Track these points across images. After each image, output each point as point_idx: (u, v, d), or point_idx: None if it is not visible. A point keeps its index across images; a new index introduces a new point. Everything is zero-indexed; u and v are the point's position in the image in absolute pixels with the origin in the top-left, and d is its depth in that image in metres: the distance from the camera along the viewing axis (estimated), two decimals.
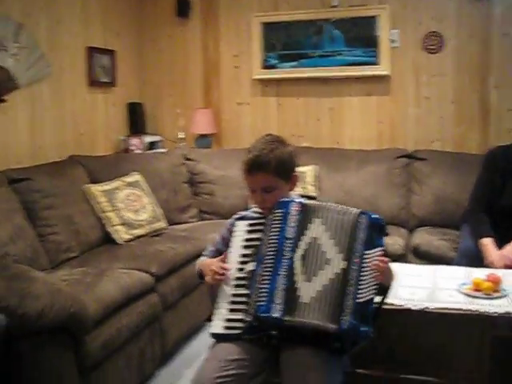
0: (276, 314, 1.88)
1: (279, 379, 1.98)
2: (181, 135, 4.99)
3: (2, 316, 2.08)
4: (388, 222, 4.01)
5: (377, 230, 2.01)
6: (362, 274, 1.93)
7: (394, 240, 3.71)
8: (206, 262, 2.22)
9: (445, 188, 4.05)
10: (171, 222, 4.12)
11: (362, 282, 1.92)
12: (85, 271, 2.95)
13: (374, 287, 1.94)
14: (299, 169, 4.09)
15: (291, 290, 1.92)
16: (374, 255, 1.96)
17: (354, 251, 1.95)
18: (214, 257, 2.29)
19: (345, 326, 1.86)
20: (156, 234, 3.81)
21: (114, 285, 2.77)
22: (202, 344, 3.44)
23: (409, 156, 4.31)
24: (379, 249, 1.98)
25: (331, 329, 1.87)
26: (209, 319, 2.10)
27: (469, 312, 2.52)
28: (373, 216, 2.02)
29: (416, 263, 3.45)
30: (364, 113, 4.67)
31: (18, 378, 2.23)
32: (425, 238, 3.75)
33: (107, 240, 3.62)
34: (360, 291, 1.91)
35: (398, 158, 4.29)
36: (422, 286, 2.80)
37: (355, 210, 2.03)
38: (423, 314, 2.59)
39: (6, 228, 2.93)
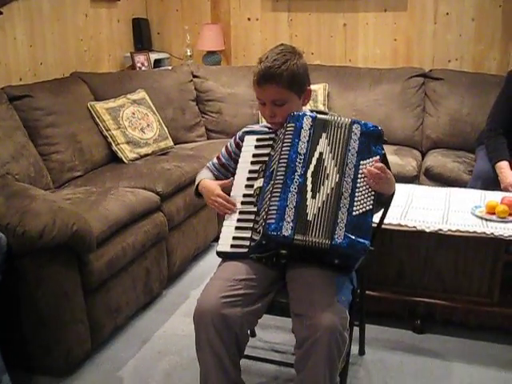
0: (286, 233, 1.81)
1: (286, 300, 1.94)
2: (188, 52, 4.82)
3: (3, 234, 2.03)
4: (401, 143, 3.98)
5: (373, 139, 1.93)
6: (356, 185, 1.87)
7: (407, 161, 3.61)
8: (207, 185, 2.13)
9: (461, 109, 3.91)
10: (178, 141, 4.03)
11: (357, 194, 1.86)
12: (89, 190, 2.89)
13: (370, 198, 1.87)
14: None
15: (301, 208, 1.85)
16: (369, 164, 1.89)
17: (347, 162, 1.89)
18: (217, 170, 2.22)
19: (338, 241, 1.80)
20: (162, 152, 3.72)
21: (119, 203, 2.71)
22: (208, 265, 3.42)
23: (424, 75, 4.14)
24: (376, 157, 1.90)
25: (325, 245, 1.81)
26: (216, 240, 2.05)
27: (482, 235, 2.46)
28: (367, 124, 1.94)
29: (428, 185, 3.36)
30: (379, 30, 4.45)
31: (22, 296, 2.20)
32: (438, 159, 3.64)
33: (112, 159, 3.54)
34: (355, 203, 1.85)
35: (413, 77, 4.13)
36: (435, 208, 2.73)
37: (347, 120, 1.95)
38: (436, 237, 2.54)
39: (7, 146, 2.84)
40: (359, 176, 1.88)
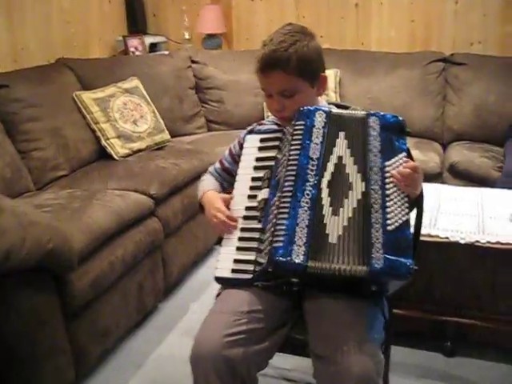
0: (298, 259, 1.47)
1: (303, 336, 1.61)
2: (186, 35, 4.46)
3: None
4: (420, 135, 3.62)
5: (395, 132, 1.58)
6: (386, 192, 1.51)
7: (429, 157, 3.27)
8: (209, 197, 1.79)
9: (486, 97, 3.56)
10: (175, 134, 3.68)
11: (389, 203, 1.50)
12: (72, 194, 2.54)
13: (405, 206, 1.51)
14: None
15: (317, 227, 1.50)
16: (396, 165, 1.54)
17: (370, 166, 1.54)
18: (220, 176, 1.90)
19: (378, 266, 1.45)
20: (158, 147, 3.38)
21: (105, 210, 2.36)
22: (210, 272, 3.02)
23: (445, 60, 3.79)
24: (401, 155, 1.55)
25: (361, 272, 1.46)
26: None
27: None
28: (385, 116, 1.59)
29: (453, 184, 3.03)
30: (394, 10, 4.09)
31: None
32: (464, 154, 3.29)
33: (102, 155, 3.19)
34: (388, 215, 1.49)
35: (433, 62, 3.78)
36: (468, 214, 2.39)
37: (361, 113, 1.60)
38: (471, 248, 2.20)
39: None
40: (387, 181, 1.53)
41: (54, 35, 3.66)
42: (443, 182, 3.16)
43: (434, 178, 3.13)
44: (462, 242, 2.18)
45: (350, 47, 4.12)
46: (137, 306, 2.52)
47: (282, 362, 2.31)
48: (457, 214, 2.39)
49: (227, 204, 1.71)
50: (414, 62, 3.79)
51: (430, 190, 2.65)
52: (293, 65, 1.60)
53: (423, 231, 2.18)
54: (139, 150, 3.25)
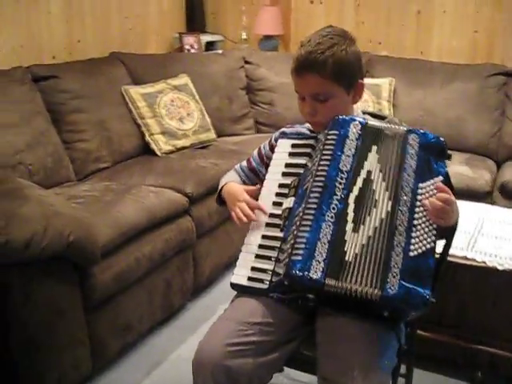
0: (315, 276, 1.40)
1: (313, 353, 1.54)
2: (244, 36, 4.44)
3: None
4: (473, 151, 3.47)
5: (434, 153, 1.49)
6: (414, 216, 1.43)
7: (479, 174, 3.11)
8: (231, 189, 1.76)
9: None
10: (222, 134, 3.66)
11: (416, 228, 1.42)
12: (108, 187, 2.56)
13: (432, 232, 1.42)
14: (373, 81, 3.51)
15: (338, 244, 1.43)
16: (431, 188, 1.45)
17: (402, 185, 1.46)
18: (246, 175, 1.86)
19: (391, 292, 1.37)
20: (202, 146, 3.37)
21: (137, 206, 2.37)
22: None
23: (507, 74, 3.60)
24: (438, 179, 1.46)
25: (372, 296, 1.39)
26: None
27: None
28: (427, 135, 1.51)
29: (503, 205, 2.87)
30: (458, 19, 3.93)
31: (9, 315, 1.88)
32: None
33: (145, 151, 3.20)
34: (413, 240, 1.41)
35: (494, 75, 3.60)
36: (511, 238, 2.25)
37: (402, 129, 1.52)
38: (509, 275, 2.07)
39: (22, 132, 2.56)
40: (417, 204, 1.44)
41: (111, 29, 3.71)
42: (493, 202, 3.00)
43: (482, 197, 2.98)
44: (500, 268, 2.06)
45: (409, 55, 3.97)
46: (162, 304, 2.51)
47: (300, 373, 2.25)
48: (499, 238, 2.26)
49: (251, 195, 1.67)
50: (474, 74, 3.62)
51: (475, 210, 2.54)
52: (329, 68, 1.55)
53: (461, 253, 2.12)
54: (183, 148, 3.25)
